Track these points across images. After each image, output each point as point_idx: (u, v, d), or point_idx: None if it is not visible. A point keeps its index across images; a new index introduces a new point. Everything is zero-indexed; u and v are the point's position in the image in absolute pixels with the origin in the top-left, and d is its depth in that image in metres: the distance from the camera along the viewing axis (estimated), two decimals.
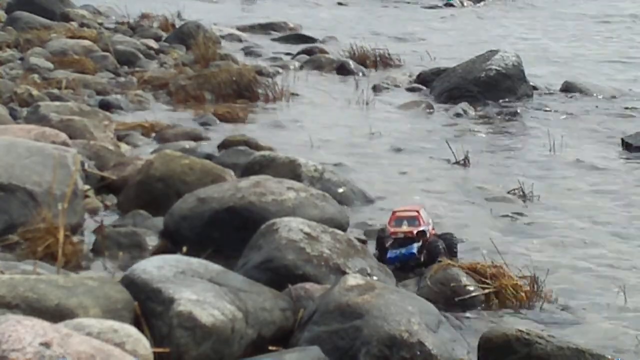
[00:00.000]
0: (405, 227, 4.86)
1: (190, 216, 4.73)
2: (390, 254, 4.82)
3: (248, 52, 12.57)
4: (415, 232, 4.82)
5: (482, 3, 19.98)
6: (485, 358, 3.48)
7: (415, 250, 4.83)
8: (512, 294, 4.23)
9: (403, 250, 4.83)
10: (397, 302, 3.44)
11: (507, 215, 5.65)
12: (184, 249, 4.11)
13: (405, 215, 4.89)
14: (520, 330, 3.44)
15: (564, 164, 7.10)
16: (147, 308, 3.29)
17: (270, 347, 3.42)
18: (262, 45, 13.24)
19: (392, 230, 4.84)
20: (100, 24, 14.03)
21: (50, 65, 9.70)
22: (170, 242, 4.64)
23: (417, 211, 4.92)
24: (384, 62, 11.60)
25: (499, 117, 8.94)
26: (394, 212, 4.91)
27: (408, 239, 4.82)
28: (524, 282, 4.31)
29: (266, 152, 6.08)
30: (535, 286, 4.29)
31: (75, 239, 4.57)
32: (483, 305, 4.20)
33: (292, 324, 3.58)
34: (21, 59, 10.07)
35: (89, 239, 4.75)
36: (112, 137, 6.73)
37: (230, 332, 3.29)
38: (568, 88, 10.16)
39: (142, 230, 4.77)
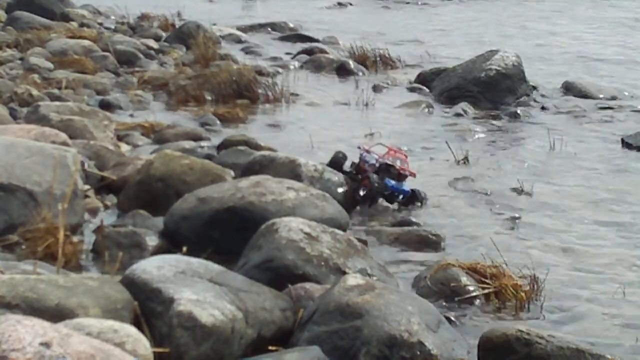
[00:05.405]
0: (399, 164, 5.91)
1: (190, 216, 4.72)
2: (390, 183, 5.74)
3: (248, 52, 12.56)
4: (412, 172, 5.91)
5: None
6: (485, 358, 3.48)
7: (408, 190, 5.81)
8: (512, 294, 4.23)
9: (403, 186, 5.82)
10: (397, 302, 3.44)
11: (507, 215, 5.65)
12: (184, 249, 4.11)
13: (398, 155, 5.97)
14: (520, 330, 3.44)
15: (564, 164, 7.11)
16: (147, 308, 3.29)
17: (270, 347, 3.42)
18: (262, 45, 13.23)
19: (401, 167, 5.83)
20: (100, 24, 14.03)
21: (50, 65, 9.69)
22: (170, 242, 4.64)
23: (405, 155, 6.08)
24: (384, 62, 11.59)
25: (499, 117, 8.94)
26: (390, 149, 5.95)
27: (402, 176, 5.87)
28: (524, 282, 4.31)
29: (266, 152, 6.07)
30: (535, 286, 4.29)
31: (75, 239, 4.57)
32: (483, 305, 4.20)
33: (292, 324, 3.58)
34: (21, 59, 10.06)
35: (89, 239, 4.75)
36: (112, 137, 6.73)
37: (230, 332, 3.29)
38: (568, 88, 10.15)
39: (142, 230, 4.76)
